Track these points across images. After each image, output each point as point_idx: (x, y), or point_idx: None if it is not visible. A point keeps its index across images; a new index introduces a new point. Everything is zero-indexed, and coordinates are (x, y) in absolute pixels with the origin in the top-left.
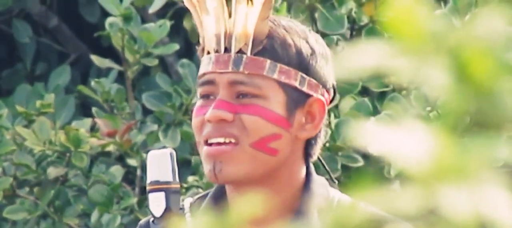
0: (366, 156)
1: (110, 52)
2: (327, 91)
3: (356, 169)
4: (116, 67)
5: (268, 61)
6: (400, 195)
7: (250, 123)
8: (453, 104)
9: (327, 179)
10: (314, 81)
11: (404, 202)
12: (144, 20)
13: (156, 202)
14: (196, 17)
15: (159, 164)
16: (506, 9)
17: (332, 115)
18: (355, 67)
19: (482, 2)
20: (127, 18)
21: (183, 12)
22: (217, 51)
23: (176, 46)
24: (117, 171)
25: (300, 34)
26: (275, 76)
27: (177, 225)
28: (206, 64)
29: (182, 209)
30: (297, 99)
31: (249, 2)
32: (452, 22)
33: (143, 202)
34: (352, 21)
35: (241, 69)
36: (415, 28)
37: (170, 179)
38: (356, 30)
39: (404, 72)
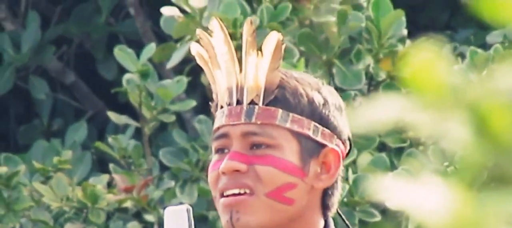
0: (383, 211)
1: (127, 108)
2: (343, 142)
3: (374, 224)
4: (133, 123)
5: (280, 110)
6: None
7: (264, 173)
8: (471, 159)
9: None
10: (327, 131)
11: None
12: (161, 77)
13: None
14: (209, 74)
15: (176, 220)
16: None
17: (350, 170)
18: (373, 121)
19: (499, 58)
20: (144, 75)
21: (200, 68)
22: (229, 104)
23: (193, 102)
24: (134, 227)
25: (312, 85)
26: (288, 125)
27: None
28: (220, 118)
29: None
30: (311, 148)
31: (259, 53)
32: (470, 78)
33: None
34: (370, 77)
35: (253, 119)
36: (433, 83)
37: None
38: (374, 85)
39: (422, 126)
